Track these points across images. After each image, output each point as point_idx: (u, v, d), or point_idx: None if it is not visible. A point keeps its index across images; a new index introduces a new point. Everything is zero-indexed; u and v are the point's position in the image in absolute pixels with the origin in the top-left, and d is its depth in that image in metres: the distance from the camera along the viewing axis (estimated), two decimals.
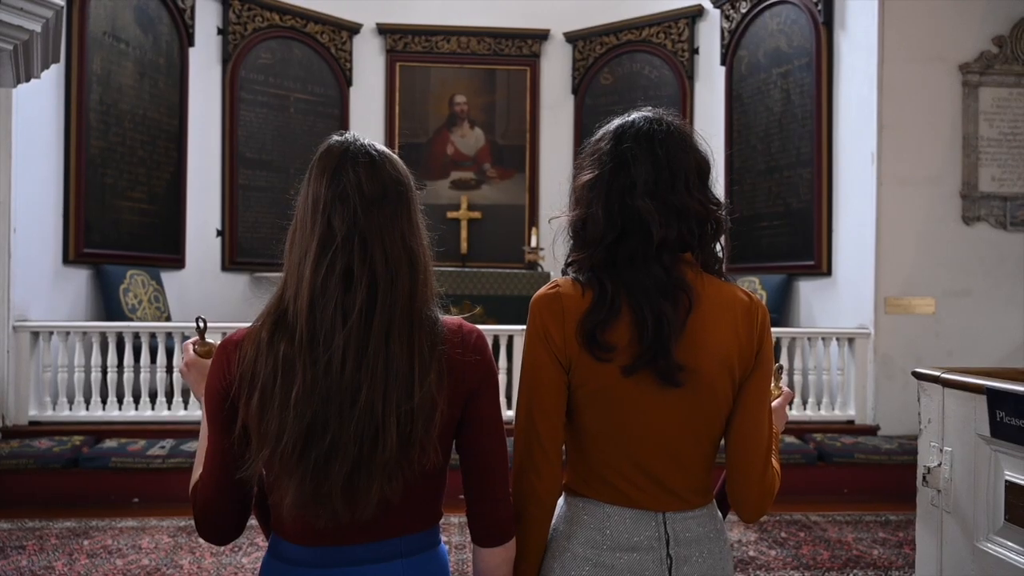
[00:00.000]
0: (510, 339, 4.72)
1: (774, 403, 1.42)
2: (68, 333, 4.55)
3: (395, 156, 1.15)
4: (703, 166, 1.21)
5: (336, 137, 1.14)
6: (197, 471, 1.19)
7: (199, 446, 1.23)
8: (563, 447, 1.23)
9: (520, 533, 1.21)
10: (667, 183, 1.16)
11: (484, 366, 1.14)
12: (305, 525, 1.10)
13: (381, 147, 1.14)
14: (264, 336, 1.07)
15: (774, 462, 1.26)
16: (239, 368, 1.08)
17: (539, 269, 6.36)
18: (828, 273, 5.39)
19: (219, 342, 1.32)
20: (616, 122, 1.24)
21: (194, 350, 1.33)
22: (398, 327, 1.06)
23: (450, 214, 7.07)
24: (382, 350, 1.05)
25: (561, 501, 1.26)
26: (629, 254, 1.16)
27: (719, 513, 1.27)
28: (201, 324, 1.37)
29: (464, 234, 7.07)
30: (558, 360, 1.17)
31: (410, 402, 1.05)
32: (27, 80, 2.91)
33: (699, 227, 1.18)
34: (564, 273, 1.26)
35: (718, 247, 1.23)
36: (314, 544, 1.12)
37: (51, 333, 4.53)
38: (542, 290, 1.21)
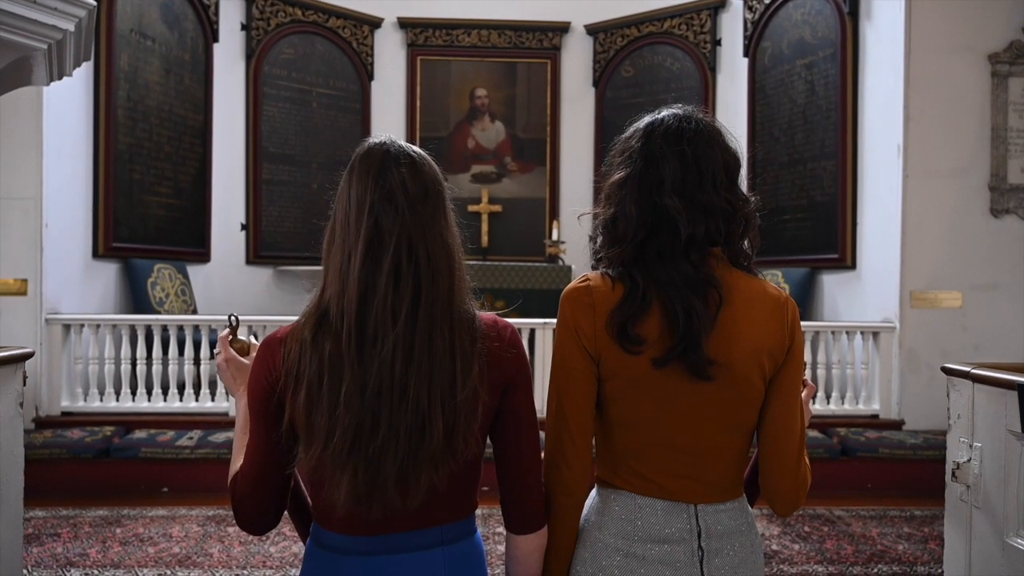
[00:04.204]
0: (531, 333, 4.73)
1: None
2: (99, 326, 4.64)
3: (428, 157, 1.18)
4: (732, 164, 1.22)
5: (373, 140, 1.17)
6: (236, 464, 1.22)
7: (237, 439, 1.27)
8: (593, 439, 1.25)
9: (551, 523, 1.23)
10: (695, 181, 1.18)
11: (520, 359, 1.18)
12: (351, 515, 1.13)
13: (416, 148, 1.18)
14: (307, 335, 1.10)
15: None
16: (284, 365, 1.11)
17: (560, 263, 6.36)
18: (852, 267, 5.34)
19: (251, 338, 1.38)
20: (646, 120, 1.25)
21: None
22: (440, 324, 1.10)
23: (471, 208, 7.08)
24: (427, 347, 1.08)
25: (593, 492, 1.28)
26: (657, 250, 1.18)
27: (750, 507, 1.28)
28: (233, 321, 1.39)
29: (485, 228, 7.08)
30: (587, 352, 1.19)
31: (454, 398, 1.09)
32: (59, 78, 2.95)
33: (727, 224, 1.20)
34: (594, 268, 1.28)
35: (747, 243, 1.24)
36: (358, 533, 1.15)
37: (82, 326, 4.62)
38: (572, 283, 1.23)
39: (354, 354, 1.07)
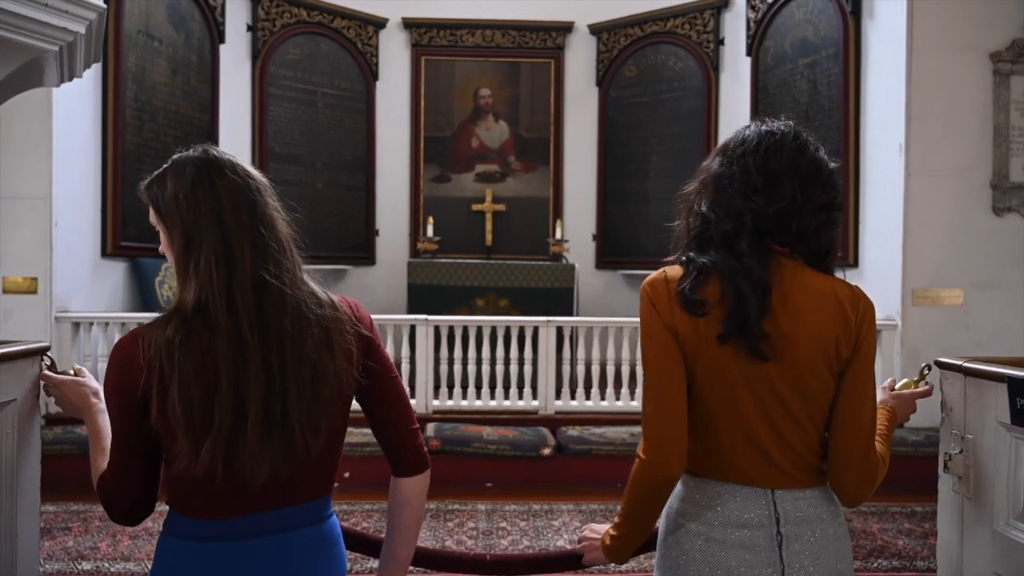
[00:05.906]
0: (535, 330, 4.76)
1: (905, 391, 1.54)
2: (107, 324, 4.70)
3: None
4: (774, 169, 1.30)
5: (188, 152, 1.23)
6: (100, 464, 1.28)
7: (95, 442, 1.35)
8: (686, 419, 1.28)
9: (633, 498, 1.30)
10: (725, 189, 1.31)
11: (370, 323, 1.30)
12: (215, 496, 1.16)
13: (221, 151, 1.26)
14: (172, 334, 1.13)
15: (880, 448, 1.33)
16: (147, 364, 1.13)
17: (564, 261, 6.39)
18: (854, 264, 5.36)
19: (70, 370, 1.48)
20: None
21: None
22: (303, 300, 1.19)
23: (475, 207, 7.13)
24: (307, 312, 1.18)
25: (680, 481, 1.34)
26: (711, 243, 1.31)
27: (836, 496, 1.33)
28: (48, 361, 1.51)
29: (489, 227, 7.13)
30: (666, 326, 1.27)
31: (332, 350, 1.19)
32: (70, 79, 3.00)
33: (758, 222, 1.27)
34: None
35: (818, 242, 1.30)
36: (222, 517, 1.18)
37: (91, 324, 4.68)
38: (652, 274, 1.35)
39: (258, 335, 1.14)
